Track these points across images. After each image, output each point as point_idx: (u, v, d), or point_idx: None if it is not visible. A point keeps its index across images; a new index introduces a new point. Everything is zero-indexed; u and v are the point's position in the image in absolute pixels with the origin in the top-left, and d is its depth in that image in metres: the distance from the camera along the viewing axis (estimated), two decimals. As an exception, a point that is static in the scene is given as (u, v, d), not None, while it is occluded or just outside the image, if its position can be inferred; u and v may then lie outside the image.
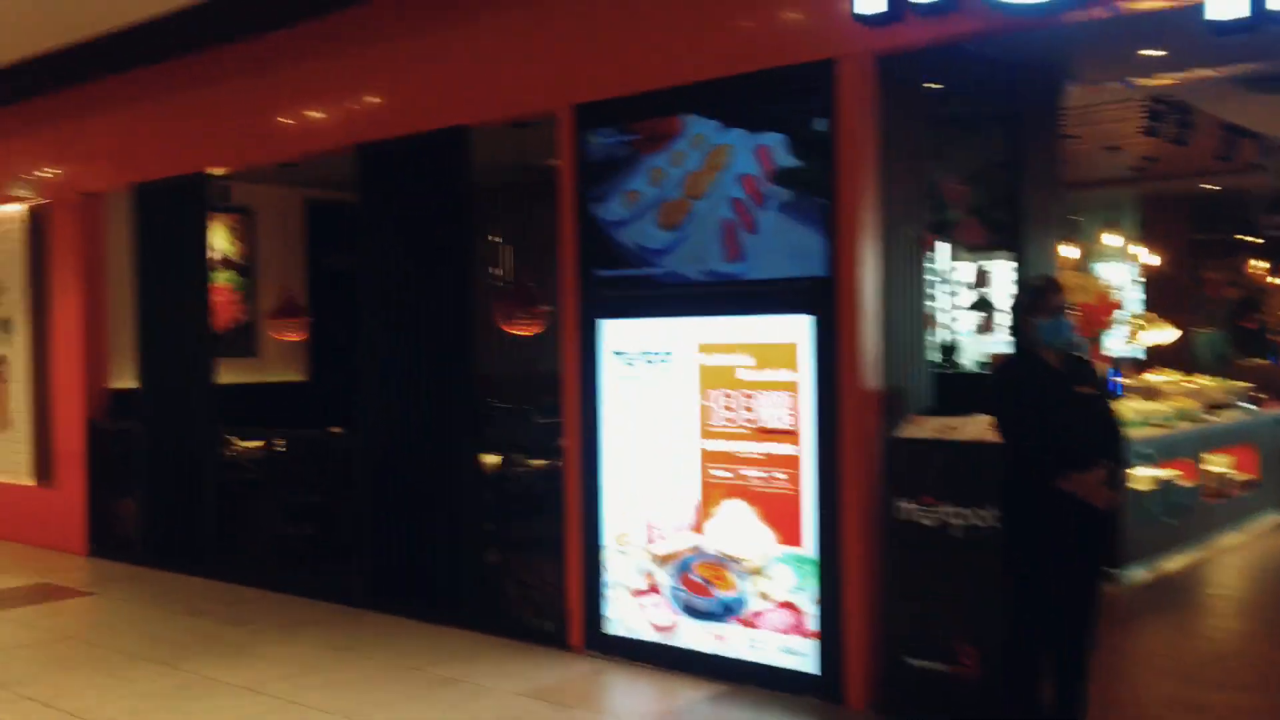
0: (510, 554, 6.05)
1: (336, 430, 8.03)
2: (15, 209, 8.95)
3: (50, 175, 8.60)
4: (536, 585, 5.85)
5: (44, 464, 8.70)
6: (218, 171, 7.55)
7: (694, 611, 5.13)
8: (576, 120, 5.51)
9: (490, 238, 9.34)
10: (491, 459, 6.16)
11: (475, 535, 6.02)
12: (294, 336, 9.02)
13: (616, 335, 5.40)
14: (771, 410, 4.87)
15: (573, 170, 5.53)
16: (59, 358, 8.52)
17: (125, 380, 8.48)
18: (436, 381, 6.16)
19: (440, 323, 6.15)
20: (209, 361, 7.50)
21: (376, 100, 6.52)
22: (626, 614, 5.36)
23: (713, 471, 5.06)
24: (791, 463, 4.79)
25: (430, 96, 6.21)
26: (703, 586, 5.08)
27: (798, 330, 4.79)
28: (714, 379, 5.05)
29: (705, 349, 5.08)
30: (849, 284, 4.64)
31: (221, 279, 9.21)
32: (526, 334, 8.02)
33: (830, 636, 4.68)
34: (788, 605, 4.81)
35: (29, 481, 8.86)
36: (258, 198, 9.44)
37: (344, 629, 6.03)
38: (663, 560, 5.21)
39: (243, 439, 7.64)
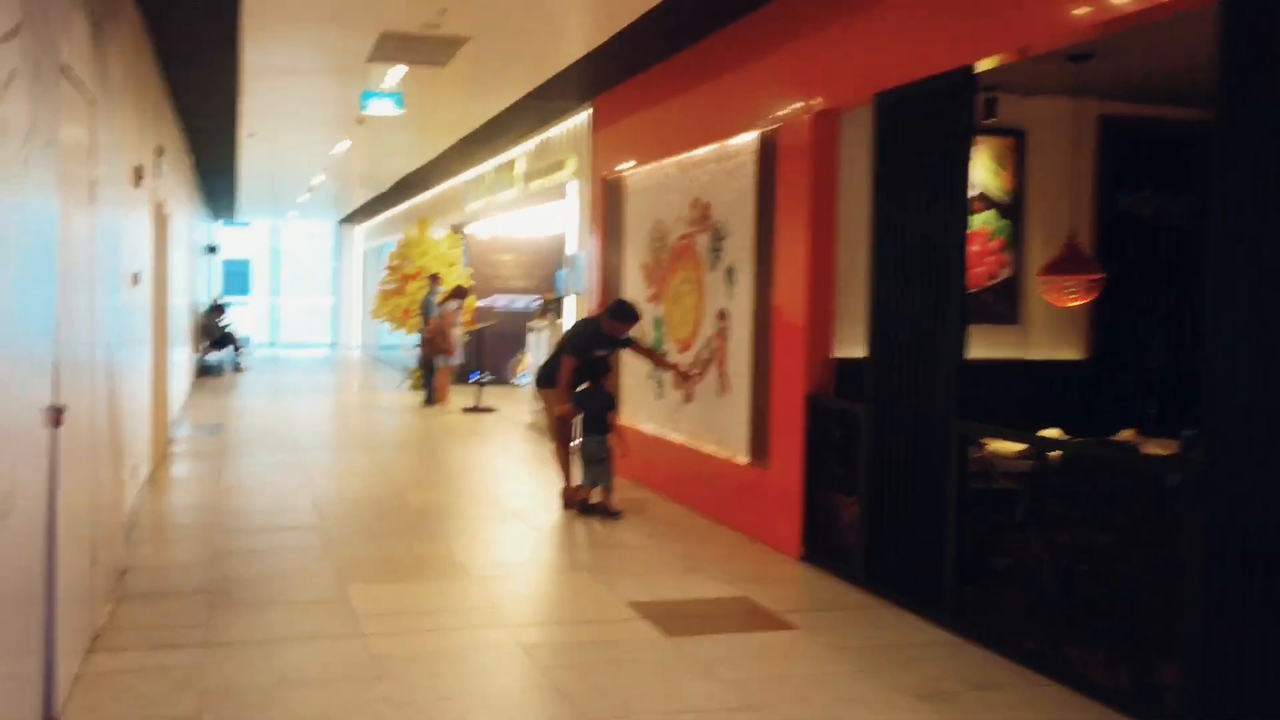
0: None
1: (1129, 438, 5.56)
2: (746, 139, 7.66)
3: (782, 93, 7.11)
4: None
5: (758, 441, 7.35)
6: (987, 64, 5.38)
7: None
8: None
9: None
10: None
11: None
12: (1075, 300, 6.59)
13: None
14: None
15: None
16: (780, 315, 7.05)
17: (851, 348, 6.78)
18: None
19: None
20: (957, 330, 5.42)
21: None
22: None
23: None
24: None
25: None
26: None
27: None
28: None
29: None
30: None
31: (979, 222, 7.11)
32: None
33: None
34: None
35: (742, 459, 7.59)
36: (1032, 114, 7.17)
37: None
38: None
39: (998, 440, 5.48)
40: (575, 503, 8.02)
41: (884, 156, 6.01)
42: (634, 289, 9.82)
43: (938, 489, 5.46)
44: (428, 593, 5.90)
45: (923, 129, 5.71)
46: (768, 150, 7.32)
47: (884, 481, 5.90)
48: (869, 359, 6.06)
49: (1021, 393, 6.65)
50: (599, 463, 7.98)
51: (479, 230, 18.85)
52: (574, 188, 11.66)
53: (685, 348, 8.66)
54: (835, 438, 6.49)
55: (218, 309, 22.29)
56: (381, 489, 8.92)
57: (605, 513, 7.88)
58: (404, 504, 8.26)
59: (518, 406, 15.16)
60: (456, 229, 18.93)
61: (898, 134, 5.93)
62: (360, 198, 23.53)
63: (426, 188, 20.19)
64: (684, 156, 8.77)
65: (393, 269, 18.05)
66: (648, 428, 9.41)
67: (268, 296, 35.56)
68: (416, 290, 17.57)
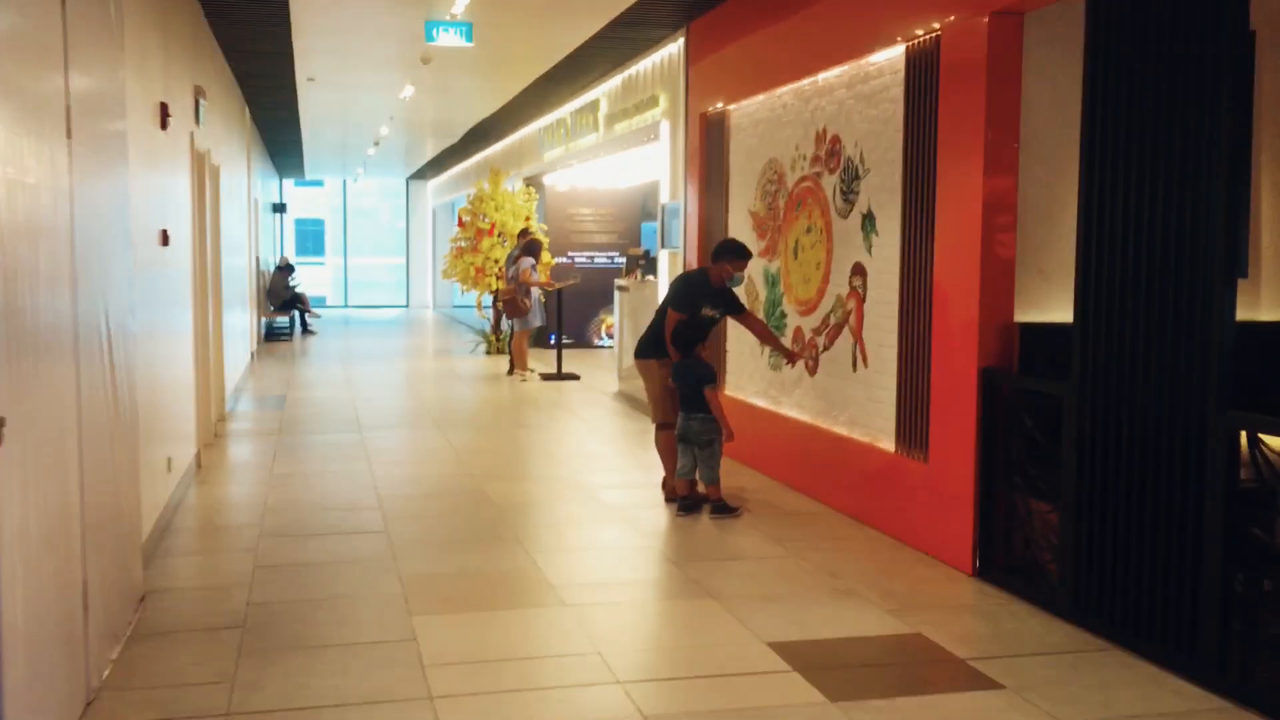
0: None
1: None
2: (889, 55, 6.25)
3: (943, -7, 5.69)
4: None
5: (912, 425, 6.00)
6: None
7: None
8: None
9: None
10: None
11: None
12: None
13: None
14: None
15: None
16: (943, 271, 5.67)
17: (1044, 311, 5.40)
18: None
19: None
20: (1224, 288, 4.01)
21: None
22: None
23: None
24: None
25: None
26: None
27: None
28: None
29: None
30: None
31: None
32: None
33: None
34: None
35: (887, 445, 6.25)
36: (1264, 9, 5.62)
37: None
38: None
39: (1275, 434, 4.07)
40: (679, 496, 6.75)
41: (1103, 61, 4.56)
42: (742, 241, 8.45)
43: (1193, 501, 4.08)
44: (513, 629, 4.67)
45: (1169, 21, 4.27)
46: (921, 66, 5.89)
47: (1103, 486, 4.52)
48: (1079, 326, 4.66)
49: (1257, 365, 5.20)
50: (703, 447, 6.69)
51: (556, 182, 17.57)
52: (666, 129, 10.30)
53: (808, 310, 7.30)
54: (1024, 425, 5.12)
55: (285, 269, 21.35)
56: (456, 478, 7.73)
57: (720, 508, 6.60)
58: (482, 499, 7.06)
59: (602, 373, 13.92)
60: (531, 181, 17.67)
61: (1129, 29, 4.49)
62: (430, 151, 22.36)
63: (500, 137, 18.94)
64: (804, 83, 7.36)
65: (464, 225, 16.84)
66: (759, 402, 8.09)
67: (339, 256, 34.73)
68: (490, 248, 16.36)
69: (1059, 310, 5.43)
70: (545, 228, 16.94)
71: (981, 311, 5.33)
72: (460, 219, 17.14)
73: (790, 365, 7.35)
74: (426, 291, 30.50)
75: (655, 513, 6.74)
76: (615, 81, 12.03)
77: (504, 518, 6.55)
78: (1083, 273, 4.64)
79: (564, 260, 17.63)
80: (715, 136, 9.00)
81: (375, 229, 43.61)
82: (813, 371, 7.26)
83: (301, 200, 42.83)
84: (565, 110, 14.38)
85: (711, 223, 9.05)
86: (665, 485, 7.05)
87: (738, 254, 6.85)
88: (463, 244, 16.82)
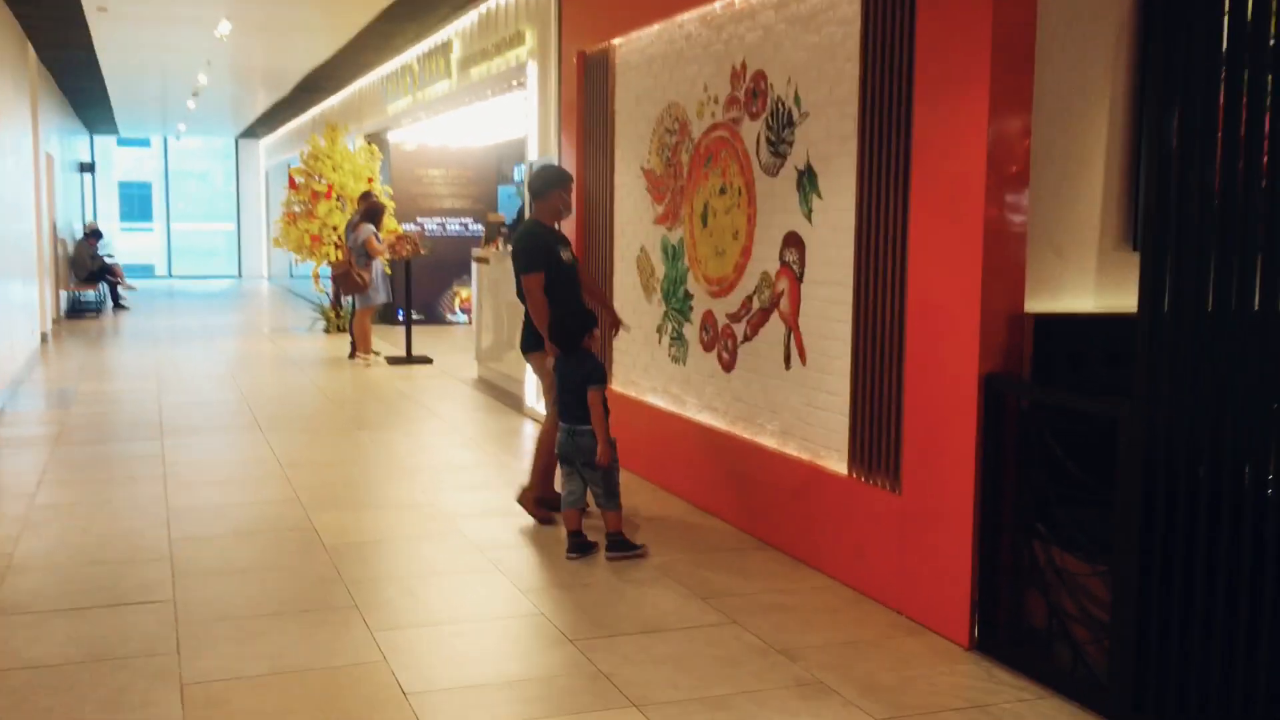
0: None
1: None
2: (838, -38, 4.83)
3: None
4: None
5: (874, 442, 4.63)
6: None
7: None
8: None
9: None
10: None
11: None
12: None
13: None
14: None
15: None
16: (921, 244, 4.30)
17: (1056, 298, 4.12)
18: None
19: None
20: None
21: None
22: None
23: None
24: None
25: None
26: None
27: None
28: None
29: None
30: None
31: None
32: None
33: None
34: None
35: (836, 466, 4.88)
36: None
37: None
38: None
39: None
40: (569, 531, 5.28)
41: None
42: (631, 206, 6.99)
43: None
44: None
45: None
46: (887, -27, 4.49)
47: (1186, 539, 3.22)
48: (1147, 318, 3.33)
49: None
50: (583, 468, 5.25)
51: (403, 139, 15.73)
52: (534, 72, 8.71)
53: (723, 290, 5.89)
54: (1047, 451, 3.80)
55: (93, 235, 18.90)
56: (278, 506, 6.07)
57: (617, 544, 5.15)
58: (309, 540, 5.42)
59: (458, 355, 12.28)
60: (374, 138, 15.79)
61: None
62: (261, 104, 20.12)
63: (338, 89, 16.94)
64: (716, 6, 5.91)
65: (297, 187, 14.85)
66: (657, 401, 6.67)
67: (163, 222, 31.92)
68: (328, 213, 14.45)
69: (1074, 297, 4.14)
70: (390, 191, 15.12)
71: (984, 299, 3.98)
72: (292, 180, 15.15)
73: (614, 334, 6.45)
74: (260, 261, 28.08)
75: (536, 552, 5.24)
76: (471, 18, 10.34)
77: (339, 569, 4.94)
78: (1151, 256, 3.31)
79: (411, 227, 15.84)
80: (597, 79, 7.48)
81: (208, 193, 40.57)
82: (728, 367, 5.85)
83: (127, 161, 39.44)
84: (412, 54, 12.59)
85: (593, 184, 7.54)
86: (525, 494, 5.71)
87: (564, 181, 5.91)
88: (296, 208, 14.85)
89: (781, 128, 5.31)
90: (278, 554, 5.18)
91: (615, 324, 6.31)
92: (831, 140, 4.93)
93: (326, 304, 15.01)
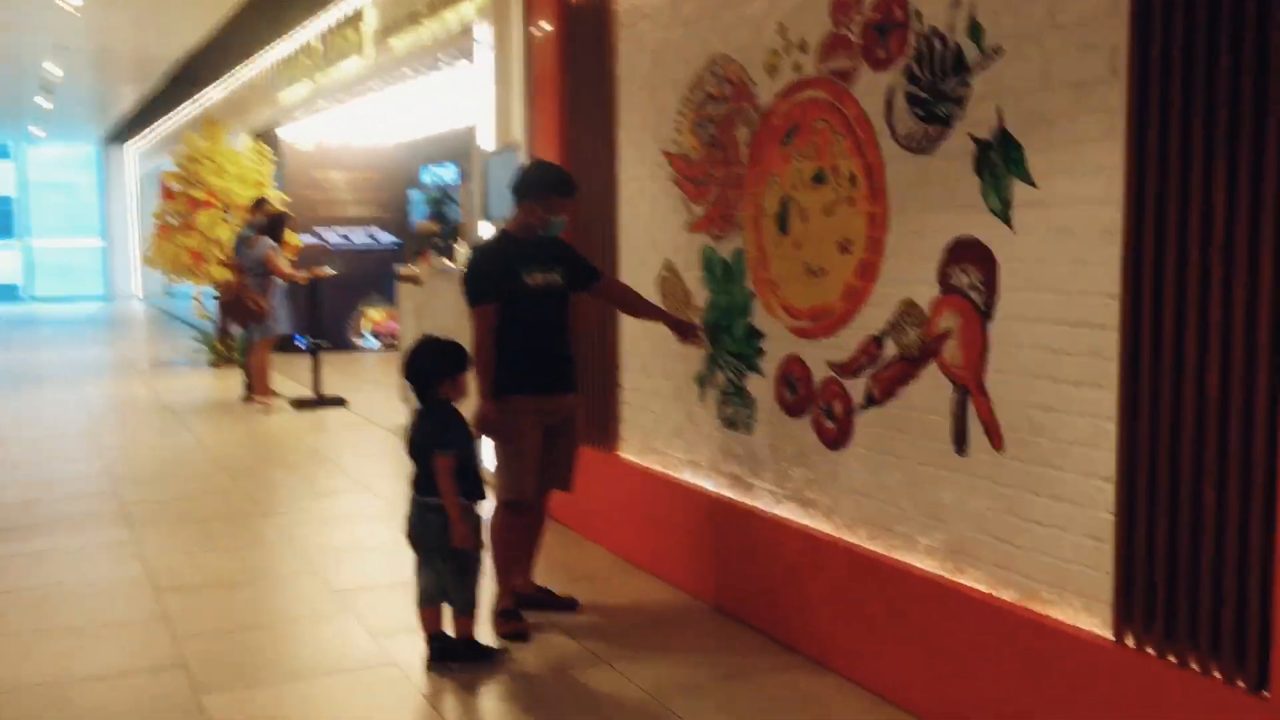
0: None
1: None
2: None
3: None
4: None
5: (1186, 589, 2.73)
6: None
7: None
8: None
9: None
10: None
11: None
12: None
13: None
14: None
15: None
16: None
17: None
18: None
19: None
20: None
21: None
22: None
23: None
24: None
25: None
26: None
27: None
28: None
29: None
30: None
31: None
32: None
33: None
34: None
35: (1091, 623, 2.96)
36: None
37: None
38: None
39: None
40: (428, 632, 3.70)
41: None
42: (647, 207, 5.03)
43: None
44: None
45: None
46: None
47: None
48: None
49: None
50: (447, 558, 3.93)
51: (297, 138, 13.47)
52: (489, 36, 6.67)
53: (820, 328, 3.96)
54: None
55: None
56: (148, 679, 3.93)
57: (471, 652, 3.23)
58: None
59: (374, 391, 10.14)
60: (262, 136, 13.49)
61: None
62: (128, 100, 17.59)
63: (219, 76, 14.59)
64: (801, -95, 3.97)
65: (173, 196, 12.45)
66: (701, 482, 4.71)
67: (22, 239, 28.94)
68: (210, 224, 12.09)
69: None
70: (286, 197, 12.86)
71: None
72: (166, 188, 12.75)
73: (689, 343, 4.60)
74: (132, 279, 25.33)
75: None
76: (391, -23, 8.26)
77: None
78: None
79: (312, 240, 13.60)
80: (588, 37, 5.49)
81: (73, 206, 37.52)
82: (836, 441, 3.92)
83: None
84: (312, 31, 10.39)
85: (584, 180, 5.52)
86: (497, 619, 3.96)
87: (554, 186, 4.31)
88: (171, 220, 12.45)
89: (942, 76, 3.40)
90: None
91: (686, 335, 4.51)
92: (1056, 89, 3.03)
93: (212, 331, 12.66)
